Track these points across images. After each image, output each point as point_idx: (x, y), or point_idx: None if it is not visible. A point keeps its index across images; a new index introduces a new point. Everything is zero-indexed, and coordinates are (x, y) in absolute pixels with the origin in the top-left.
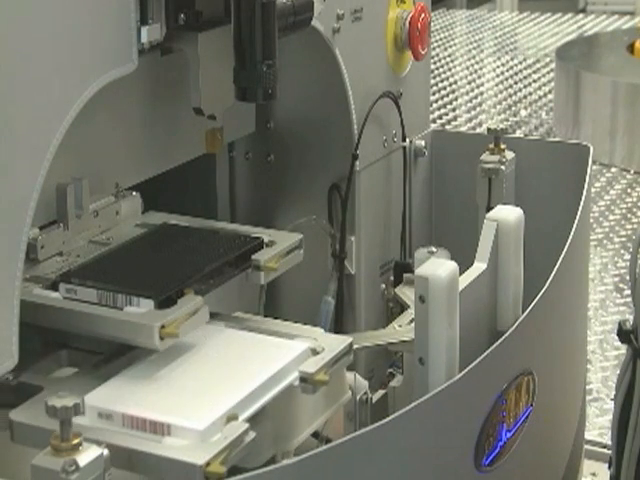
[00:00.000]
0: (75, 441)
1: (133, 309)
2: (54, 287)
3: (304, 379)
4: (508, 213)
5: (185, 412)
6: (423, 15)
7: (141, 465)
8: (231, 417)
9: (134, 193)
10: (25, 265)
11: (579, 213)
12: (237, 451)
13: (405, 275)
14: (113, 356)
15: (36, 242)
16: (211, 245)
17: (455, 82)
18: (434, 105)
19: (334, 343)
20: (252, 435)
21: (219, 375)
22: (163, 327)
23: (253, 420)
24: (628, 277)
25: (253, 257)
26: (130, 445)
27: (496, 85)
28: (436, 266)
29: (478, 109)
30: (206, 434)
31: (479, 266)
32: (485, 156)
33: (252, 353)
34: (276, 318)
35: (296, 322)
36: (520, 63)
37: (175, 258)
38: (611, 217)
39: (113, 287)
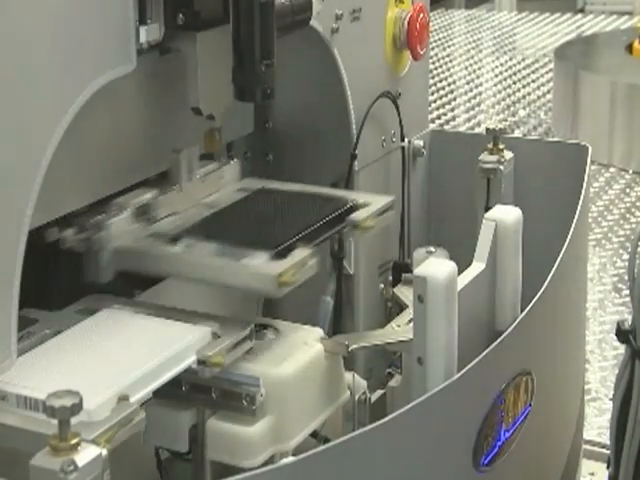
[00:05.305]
0: (73, 441)
1: (250, 260)
2: (174, 241)
3: (202, 361)
4: (507, 213)
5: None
6: (422, 15)
7: (34, 444)
8: (122, 397)
9: (235, 160)
10: (143, 224)
11: (577, 213)
12: (125, 430)
13: (404, 275)
14: None
15: (154, 203)
16: (310, 207)
17: (454, 82)
18: (433, 105)
19: (236, 328)
20: (142, 415)
21: (117, 357)
22: (280, 275)
23: None
24: (627, 277)
25: (350, 217)
26: (22, 425)
27: (495, 85)
28: (435, 266)
29: (477, 109)
30: (95, 413)
31: (478, 266)
32: (484, 156)
33: (152, 337)
34: (275, 318)
35: (294, 322)
36: (519, 63)
37: (279, 218)
38: (610, 217)
39: (230, 241)
